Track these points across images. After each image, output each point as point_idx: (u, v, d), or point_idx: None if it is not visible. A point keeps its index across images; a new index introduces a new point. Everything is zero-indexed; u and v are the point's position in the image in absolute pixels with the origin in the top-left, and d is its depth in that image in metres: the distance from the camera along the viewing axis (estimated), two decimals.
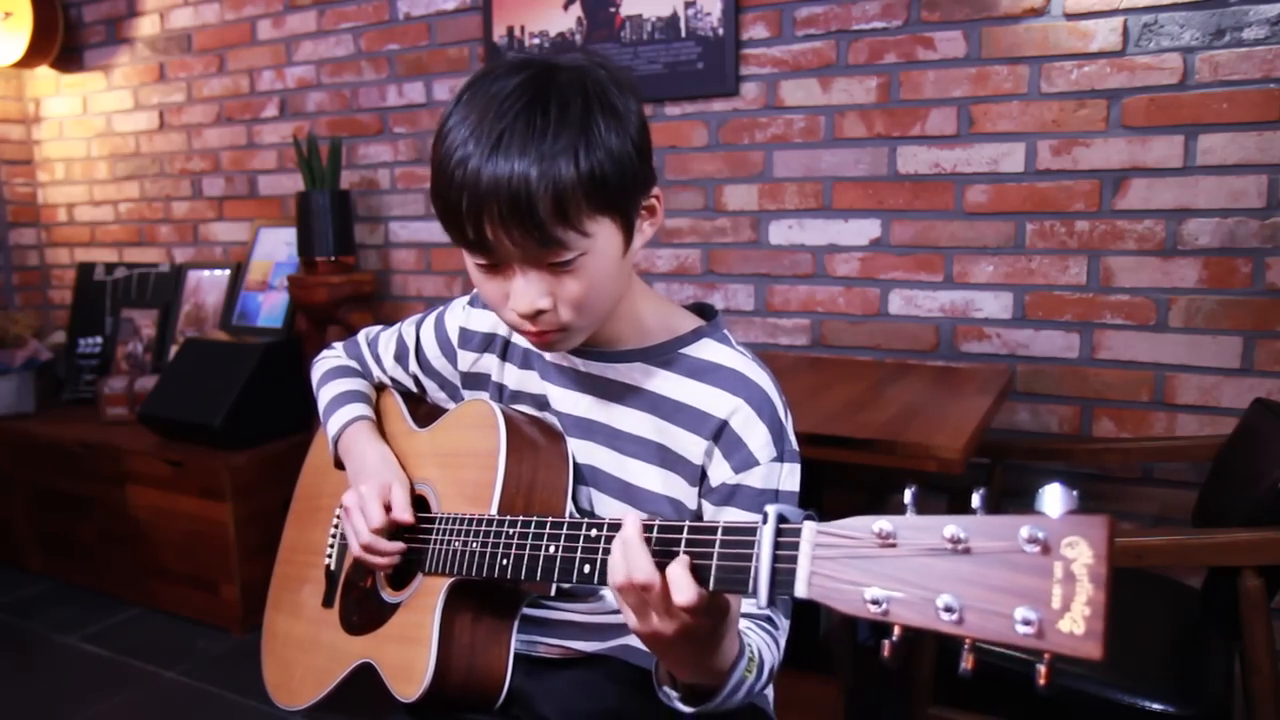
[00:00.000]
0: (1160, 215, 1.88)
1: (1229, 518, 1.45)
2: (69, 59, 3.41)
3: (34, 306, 3.63)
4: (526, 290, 0.80)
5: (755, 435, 0.86)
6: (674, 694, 0.79)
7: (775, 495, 0.87)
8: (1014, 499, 2.05)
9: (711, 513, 0.88)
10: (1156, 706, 1.30)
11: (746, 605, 0.84)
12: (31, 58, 3.29)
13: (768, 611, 0.86)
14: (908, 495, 0.58)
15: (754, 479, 0.86)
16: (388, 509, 0.96)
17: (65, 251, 3.61)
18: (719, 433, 0.87)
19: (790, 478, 0.88)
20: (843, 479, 2.23)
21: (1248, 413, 1.66)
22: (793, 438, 0.90)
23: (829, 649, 1.92)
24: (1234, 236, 1.82)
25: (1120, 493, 1.99)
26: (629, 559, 0.69)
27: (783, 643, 0.87)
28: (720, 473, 0.87)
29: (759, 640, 0.83)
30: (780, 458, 0.87)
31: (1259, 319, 1.82)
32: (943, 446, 1.38)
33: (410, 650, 0.91)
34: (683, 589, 0.66)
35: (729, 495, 0.87)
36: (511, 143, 0.75)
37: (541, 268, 0.79)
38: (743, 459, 0.86)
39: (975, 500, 0.55)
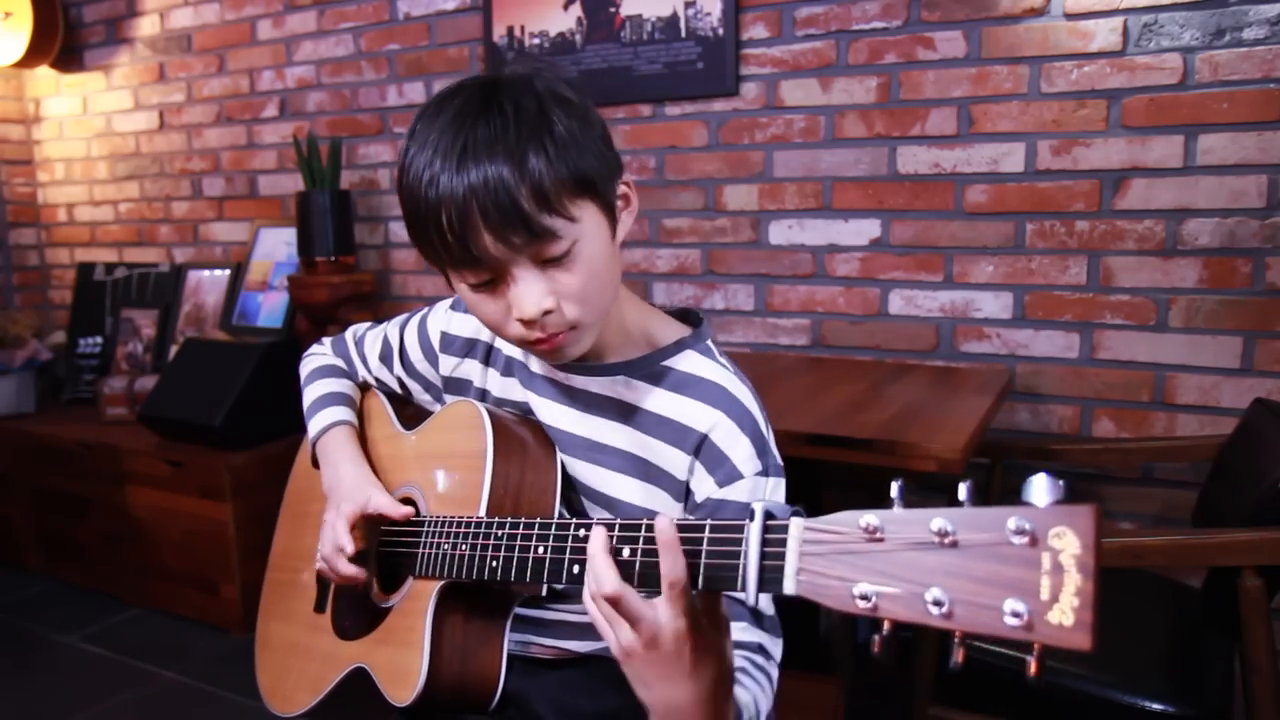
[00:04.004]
0: (1160, 215, 1.88)
1: (1229, 518, 1.45)
2: (69, 59, 3.41)
3: (34, 306, 3.63)
4: (528, 292, 0.78)
5: (738, 449, 0.86)
6: None
7: None
8: (1014, 499, 2.05)
9: None
10: (1156, 706, 1.30)
11: (736, 632, 0.82)
12: (31, 58, 3.29)
13: (758, 639, 0.84)
14: (894, 489, 0.58)
15: (739, 493, 0.85)
16: (362, 521, 0.98)
17: (65, 251, 3.61)
18: (699, 447, 0.86)
19: (775, 492, 0.87)
20: (843, 479, 2.23)
21: (1248, 413, 1.65)
22: (776, 452, 0.89)
23: (829, 649, 1.92)
24: (1234, 236, 1.82)
25: (1120, 493, 1.99)
26: (594, 572, 0.70)
27: (774, 674, 0.86)
28: (705, 488, 0.86)
29: (754, 688, 0.82)
30: (765, 472, 0.87)
31: (1259, 319, 1.82)
32: (943, 447, 1.38)
33: (403, 654, 0.90)
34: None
35: (714, 510, 0.86)
36: (477, 148, 0.75)
37: (537, 265, 0.78)
38: (727, 473, 0.85)
39: (962, 493, 0.55)
